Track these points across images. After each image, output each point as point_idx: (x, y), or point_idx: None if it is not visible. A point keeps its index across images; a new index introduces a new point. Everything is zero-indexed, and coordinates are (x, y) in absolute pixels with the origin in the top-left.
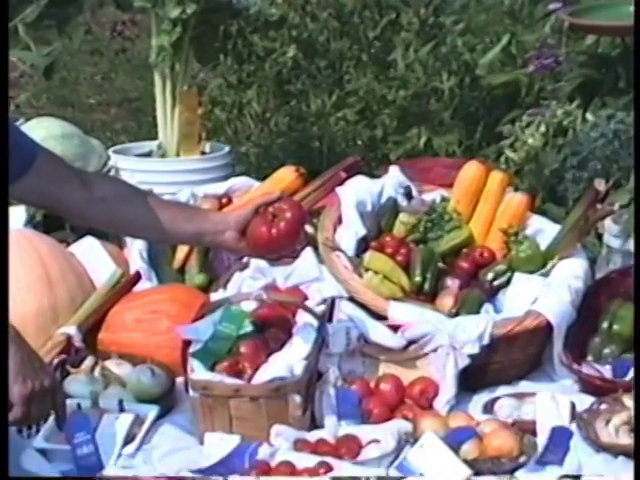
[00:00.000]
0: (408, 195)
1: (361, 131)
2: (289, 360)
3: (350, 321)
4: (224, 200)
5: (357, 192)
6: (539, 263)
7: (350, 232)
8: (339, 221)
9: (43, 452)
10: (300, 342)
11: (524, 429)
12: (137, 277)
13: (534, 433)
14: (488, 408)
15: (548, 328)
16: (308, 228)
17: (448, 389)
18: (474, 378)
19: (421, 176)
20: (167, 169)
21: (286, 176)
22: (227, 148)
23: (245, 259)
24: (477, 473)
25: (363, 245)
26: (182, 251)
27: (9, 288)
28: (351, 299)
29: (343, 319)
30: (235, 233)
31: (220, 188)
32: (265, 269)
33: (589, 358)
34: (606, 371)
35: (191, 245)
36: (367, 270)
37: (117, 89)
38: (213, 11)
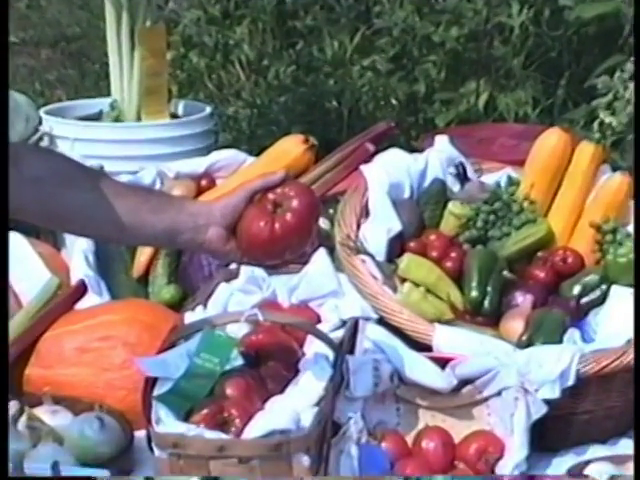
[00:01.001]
0: (461, 176)
1: (396, 86)
2: (294, 406)
3: (379, 352)
4: (204, 182)
5: (390, 172)
6: None
7: (380, 228)
8: (365, 212)
9: None
10: (309, 381)
11: None
12: (81, 289)
13: None
14: (575, 476)
15: None
16: (322, 222)
17: (517, 448)
18: (554, 433)
19: (480, 149)
20: (124, 138)
21: (291, 149)
22: (208, 109)
23: (234, 265)
24: None
25: (398, 246)
26: (144, 254)
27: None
28: (381, 321)
29: (369, 349)
30: (221, 230)
31: (199, 165)
32: (262, 279)
33: None
34: None
35: (159, 246)
36: (403, 281)
37: (49, 23)
38: None
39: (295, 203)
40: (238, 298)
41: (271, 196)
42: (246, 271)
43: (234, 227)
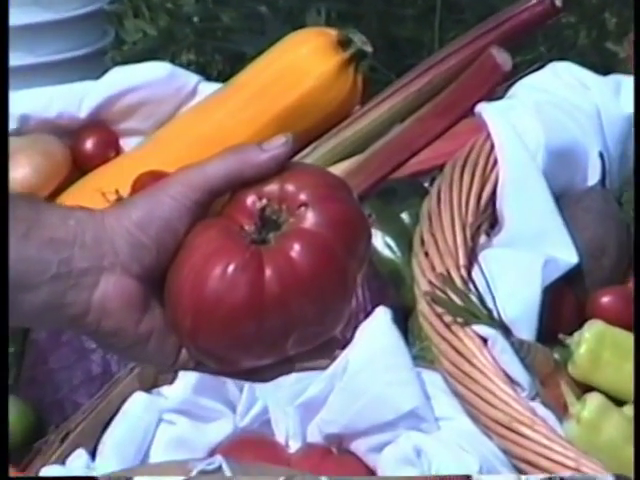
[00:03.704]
0: None
1: None
2: None
3: None
4: (91, 145)
5: (547, 123)
6: None
7: (524, 257)
8: (487, 220)
9: None
10: None
11: None
12: None
13: None
14: None
15: None
16: (381, 249)
17: None
18: None
19: None
20: None
21: (310, 64)
22: None
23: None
24: None
25: (569, 300)
26: None
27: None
28: None
29: None
30: (129, 281)
31: (78, 99)
32: (234, 386)
33: None
34: None
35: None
36: (586, 390)
37: None
38: None
39: (311, 221)
40: (176, 430)
41: (254, 204)
42: (187, 378)
43: (162, 275)
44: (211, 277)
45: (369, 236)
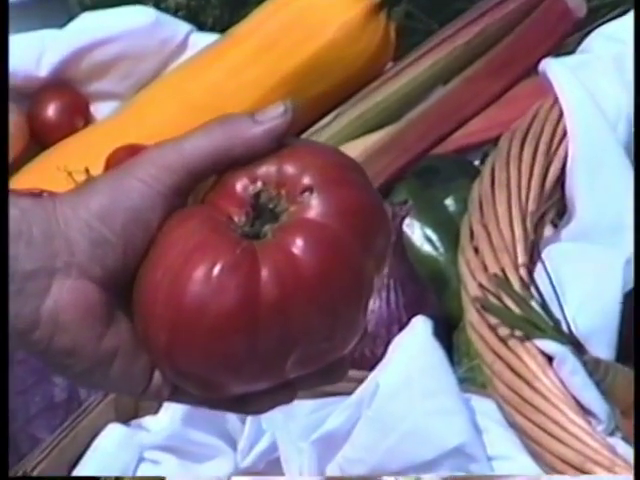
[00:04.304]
0: None
1: None
2: None
3: None
4: (53, 112)
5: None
6: None
7: (602, 255)
8: (553, 206)
9: None
10: None
11: None
12: None
13: None
14: None
15: None
16: (418, 243)
17: None
18: None
19: None
20: None
21: (329, 7)
22: None
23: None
24: None
25: None
26: None
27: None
28: None
29: None
30: (90, 286)
31: (37, 52)
32: (237, 422)
33: None
34: None
35: None
36: None
37: None
38: None
39: (317, 210)
40: (161, 472)
41: (245, 189)
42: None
43: (131, 279)
44: (192, 280)
45: (389, 229)
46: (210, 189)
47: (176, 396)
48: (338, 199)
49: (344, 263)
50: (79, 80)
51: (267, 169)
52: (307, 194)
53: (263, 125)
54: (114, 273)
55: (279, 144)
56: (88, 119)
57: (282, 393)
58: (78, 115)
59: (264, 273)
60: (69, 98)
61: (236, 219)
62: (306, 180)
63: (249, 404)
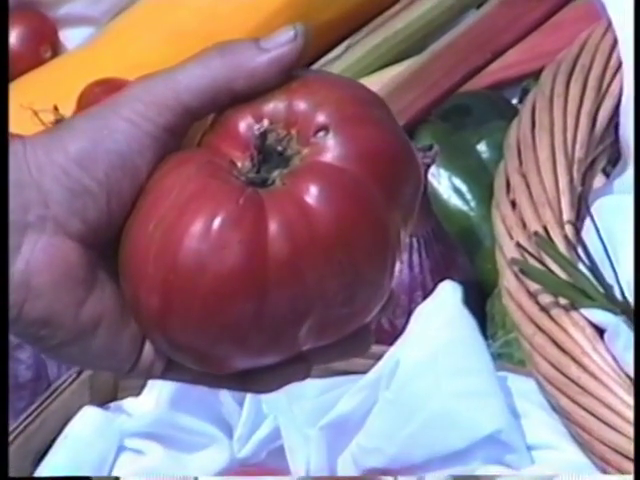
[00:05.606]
0: None
1: None
2: None
3: None
4: (11, 41)
5: None
6: None
7: None
8: (608, 154)
9: None
10: None
11: None
12: None
13: None
14: None
15: None
16: (445, 197)
17: None
18: None
19: None
20: None
21: None
22: None
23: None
24: None
25: None
26: None
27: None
28: None
29: None
30: (73, 245)
31: None
32: (232, 403)
33: None
34: None
35: None
36: None
37: None
38: None
39: (334, 153)
40: (145, 463)
41: (250, 129)
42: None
43: (116, 235)
44: (189, 235)
45: (418, 175)
46: (208, 129)
47: (170, 373)
48: (358, 140)
49: (365, 214)
50: (45, 2)
51: (275, 105)
52: (322, 134)
53: (270, 53)
54: (96, 228)
55: (288, 76)
56: (57, 48)
57: (294, 368)
58: (45, 43)
59: (272, 226)
60: (34, 23)
61: (239, 164)
62: (320, 118)
63: (255, 381)
